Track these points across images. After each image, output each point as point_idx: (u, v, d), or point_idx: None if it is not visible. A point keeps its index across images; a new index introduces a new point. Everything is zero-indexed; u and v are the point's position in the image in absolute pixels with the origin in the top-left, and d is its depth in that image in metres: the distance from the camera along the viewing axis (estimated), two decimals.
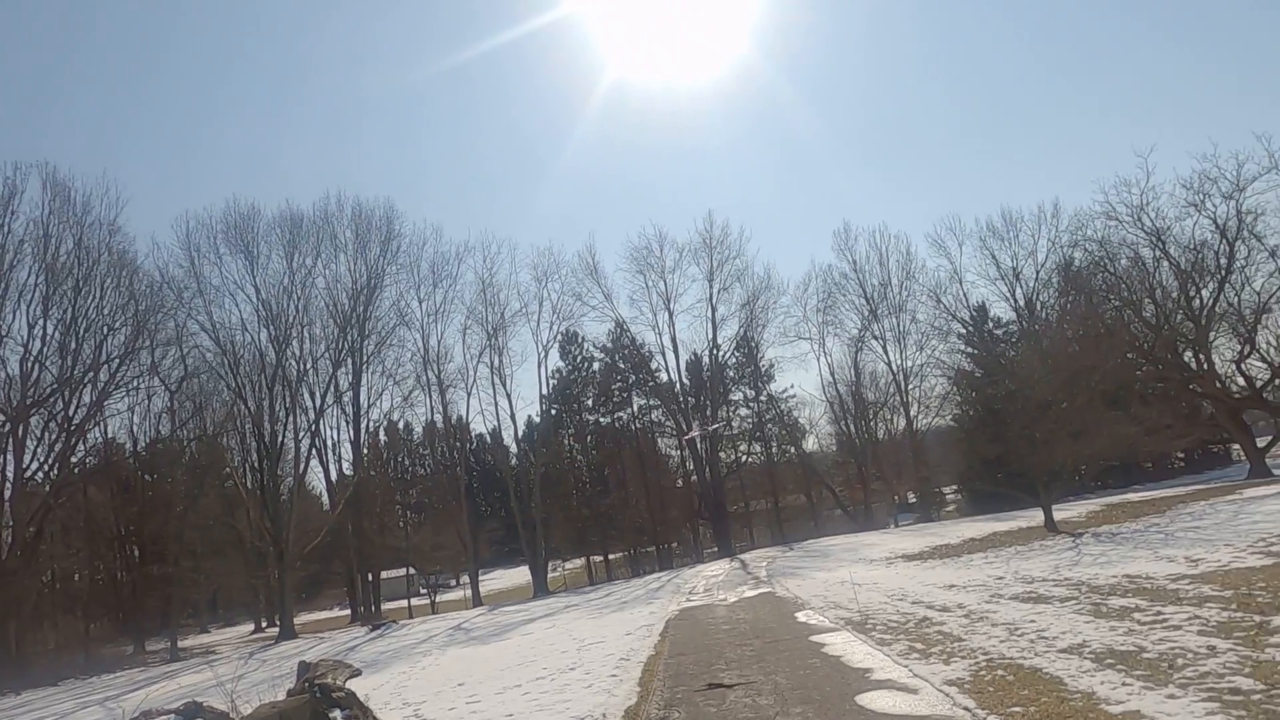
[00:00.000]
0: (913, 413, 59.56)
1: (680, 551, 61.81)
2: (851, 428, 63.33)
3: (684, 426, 58.49)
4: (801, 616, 17.15)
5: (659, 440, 66.08)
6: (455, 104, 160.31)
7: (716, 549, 56.57)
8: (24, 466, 42.96)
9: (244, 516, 52.56)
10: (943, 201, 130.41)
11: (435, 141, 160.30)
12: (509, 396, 54.64)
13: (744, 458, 65.41)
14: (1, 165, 44.01)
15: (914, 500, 62.53)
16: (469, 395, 55.44)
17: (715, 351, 59.29)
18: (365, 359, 53.19)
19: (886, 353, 59.90)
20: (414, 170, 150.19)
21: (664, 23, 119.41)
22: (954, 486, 65.90)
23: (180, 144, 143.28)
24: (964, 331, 57.65)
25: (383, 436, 68.19)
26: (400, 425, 69.64)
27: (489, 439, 71.76)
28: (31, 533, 42.93)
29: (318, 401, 51.88)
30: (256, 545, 51.02)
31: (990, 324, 59.73)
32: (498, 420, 57.45)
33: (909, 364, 59.30)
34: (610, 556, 62.22)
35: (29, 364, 43.30)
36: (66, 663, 44.16)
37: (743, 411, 65.47)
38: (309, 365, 51.09)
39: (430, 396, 55.27)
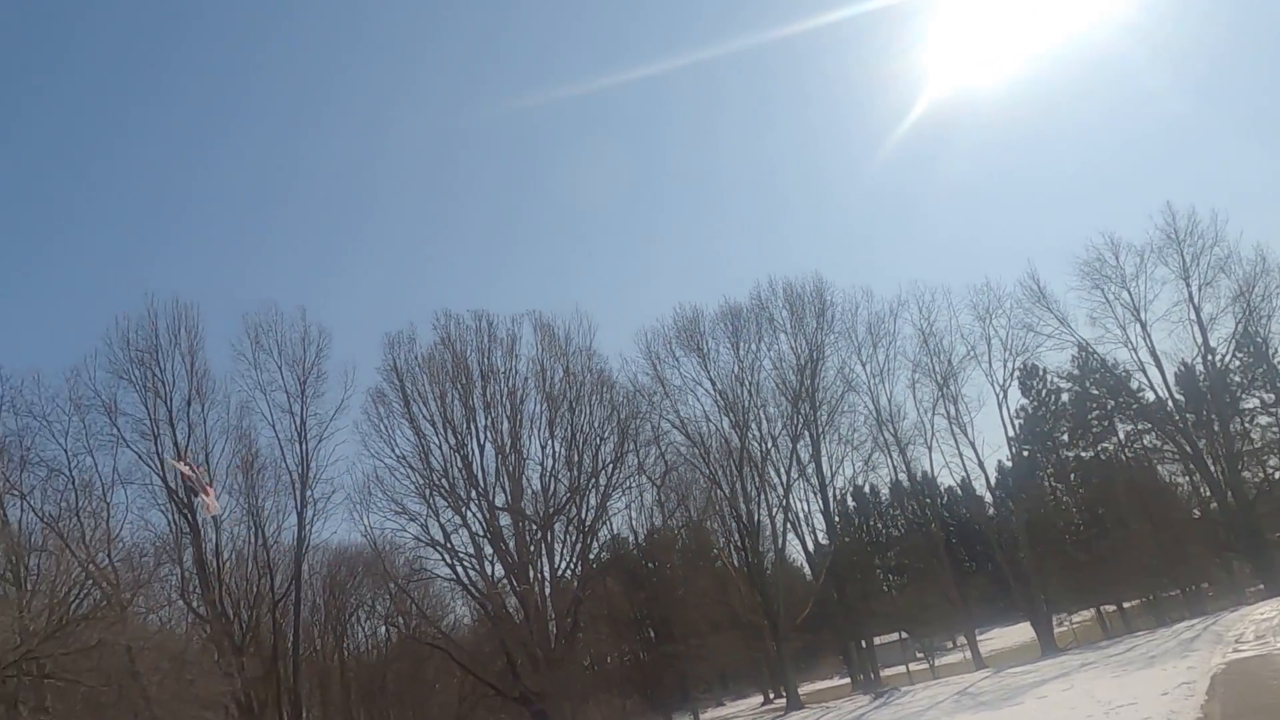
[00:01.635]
0: None
1: (1213, 593, 53.06)
2: None
3: (1187, 449, 51.04)
4: None
5: (1158, 468, 58.07)
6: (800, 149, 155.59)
7: (1262, 586, 47.63)
8: (555, 566, 50.94)
9: (735, 593, 55.97)
10: None
11: (796, 203, 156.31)
12: (973, 444, 52.07)
13: (1276, 474, 54.78)
14: (504, 320, 53.12)
15: None
16: (929, 449, 53.44)
17: (1210, 357, 51.26)
18: (820, 429, 54.32)
19: None
20: (776, 230, 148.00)
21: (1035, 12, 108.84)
22: None
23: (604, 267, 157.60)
24: None
25: (850, 502, 68.80)
26: (865, 489, 69.80)
27: (959, 491, 68.88)
28: (569, 623, 50.04)
29: (784, 477, 54.01)
30: (750, 620, 53.84)
31: None
32: (964, 470, 54.84)
33: None
34: (1124, 605, 55.35)
35: (546, 479, 51.44)
36: None
37: (1262, 420, 55.07)
38: (770, 444, 53.84)
39: (890, 456, 54.78)
